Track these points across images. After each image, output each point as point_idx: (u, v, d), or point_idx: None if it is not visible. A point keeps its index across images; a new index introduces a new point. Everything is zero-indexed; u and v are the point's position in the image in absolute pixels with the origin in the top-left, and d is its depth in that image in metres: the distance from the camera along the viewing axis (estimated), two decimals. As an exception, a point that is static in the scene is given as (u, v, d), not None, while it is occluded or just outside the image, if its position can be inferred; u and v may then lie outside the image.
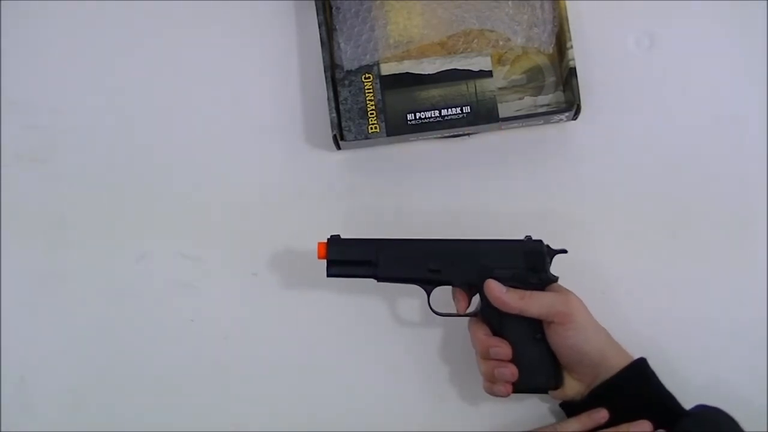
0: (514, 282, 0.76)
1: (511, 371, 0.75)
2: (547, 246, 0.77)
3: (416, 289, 0.79)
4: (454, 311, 0.79)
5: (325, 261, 0.77)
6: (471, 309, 0.79)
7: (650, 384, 0.75)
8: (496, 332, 0.76)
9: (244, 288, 0.86)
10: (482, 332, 0.77)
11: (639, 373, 0.74)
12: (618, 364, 0.74)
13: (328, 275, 0.77)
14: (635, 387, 0.74)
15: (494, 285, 0.75)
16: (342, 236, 0.78)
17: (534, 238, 0.78)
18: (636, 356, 0.75)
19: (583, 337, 0.74)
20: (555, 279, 0.77)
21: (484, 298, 0.77)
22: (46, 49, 0.91)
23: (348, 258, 0.78)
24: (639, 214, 0.86)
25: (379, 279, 0.78)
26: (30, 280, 0.86)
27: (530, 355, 0.76)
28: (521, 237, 0.78)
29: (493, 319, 0.76)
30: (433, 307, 0.78)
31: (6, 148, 0.89)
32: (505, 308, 0.75)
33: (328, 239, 0.78)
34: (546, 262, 0.77)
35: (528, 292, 0.75)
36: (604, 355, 0.74)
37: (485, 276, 0.76)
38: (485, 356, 0.76)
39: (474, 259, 0.77)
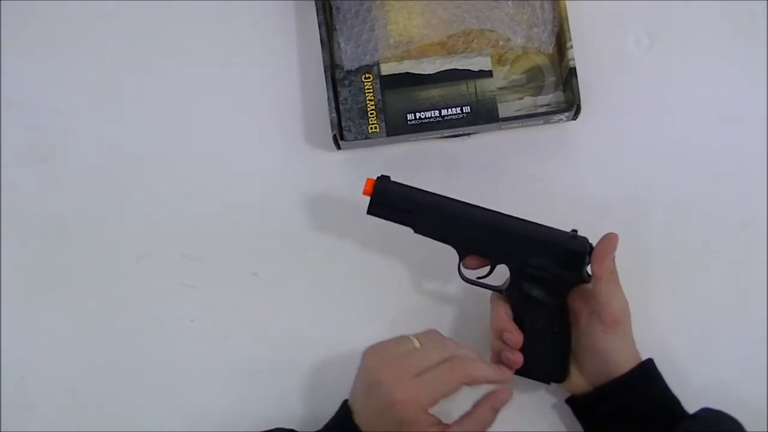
0: (546, 273, 0.75)
1: (516, 359, 0.74)
2: (590, 245, 0.75)
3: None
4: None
5: (368, 198, 0.77)
6: (499, 284, 0.78)
7: (657, 386, 0.74)
8: (517, 315, 0.76)
9: (244, 288, 0.86)
10: (503, 311, 0.76)
11: (646, 374, 0.74)
12: (627, 364, 0.74)
13: (368, 212, 0.77)
14: (641, 388, 0.74)
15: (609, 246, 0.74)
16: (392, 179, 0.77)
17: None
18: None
19: (616, 346, 0.74)
20: (588, 280, 0.76)
21: (513, 278, 0.76)
22: (46, 49, 0.91)
23: (391, 202, 0.77)
24: (638, 214, 0.86)
25: (416, 231, 0.77)
26: (30, 280, 0.86)
27: (543, 346, 0.75)
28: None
29: (516, 301, 0.76)
30: (463, 273, 0.78)
31: (6, 148, 0.89)
32: (601, 262, 0.73)
33: (377, 178, 0.77)
34: (584, 263, 0.75)
35: (617, 274, 0.74)
36: (621, 362, 0.74)
37: (520, 259, 0.75)
38: (498, 336, 0.76)
39: (515, 241, 0.75)
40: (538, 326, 0.75)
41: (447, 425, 0.71)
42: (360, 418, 0.71)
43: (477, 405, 0.72)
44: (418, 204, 0.77)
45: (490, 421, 0.72)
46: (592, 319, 0.74)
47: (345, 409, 0.72)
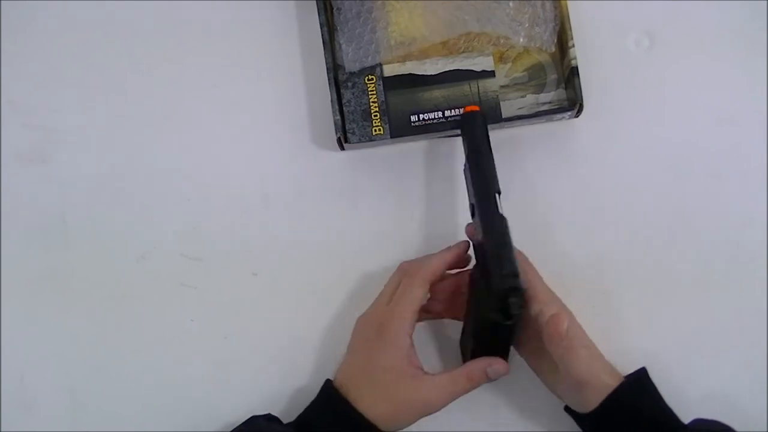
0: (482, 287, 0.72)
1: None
2: (518, 287, 0.68)
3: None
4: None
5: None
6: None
7: (650, 397, 0.73)
8: (471, 289, 0.76)
9: (244, 288, 0.85)
10: (453, 280, 0.79)
11: (640, 385, 0.73)
12: (609, 381, 0.72)
13: (457, 125, 0.82)
14: (634, 399, 0.72)
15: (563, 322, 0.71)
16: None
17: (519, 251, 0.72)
18: (632, 366, 0.74)
19: (584, 399, 0.72)
20: (504, 322, 0.70)
21: (479, 264, 0.75)
22: (46, 49, 0.91)
23: (467, 134, 0.79)
24: (639, 214, 0.86)
25: (465, 164, 0.79)
26: (30, 280, 0.86)
27: (470, 335, 0.75)
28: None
29: (471, 283, 0.76)
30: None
31: (6, 148, 0.88)
32: (549, 343, 0.70)
33: (477, 110, 0.80)
34: (496, 297, 0.68)
35: (572, 344, 0.71)
36: (594, 403, 0.72)
37: (483, 259, 0.73)
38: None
39: (485, 242, 0.71)
40: (473, 315, 0.75)
41: (430, 374, 0.73)
42: (344, 382, 0.74)
43: (471, 361, 0.74)
44: (473, 153, 0.77)
45: (478, 381, 0.73)
46: (556, 375, 0.73)
47: (327, 382, 0.76)
